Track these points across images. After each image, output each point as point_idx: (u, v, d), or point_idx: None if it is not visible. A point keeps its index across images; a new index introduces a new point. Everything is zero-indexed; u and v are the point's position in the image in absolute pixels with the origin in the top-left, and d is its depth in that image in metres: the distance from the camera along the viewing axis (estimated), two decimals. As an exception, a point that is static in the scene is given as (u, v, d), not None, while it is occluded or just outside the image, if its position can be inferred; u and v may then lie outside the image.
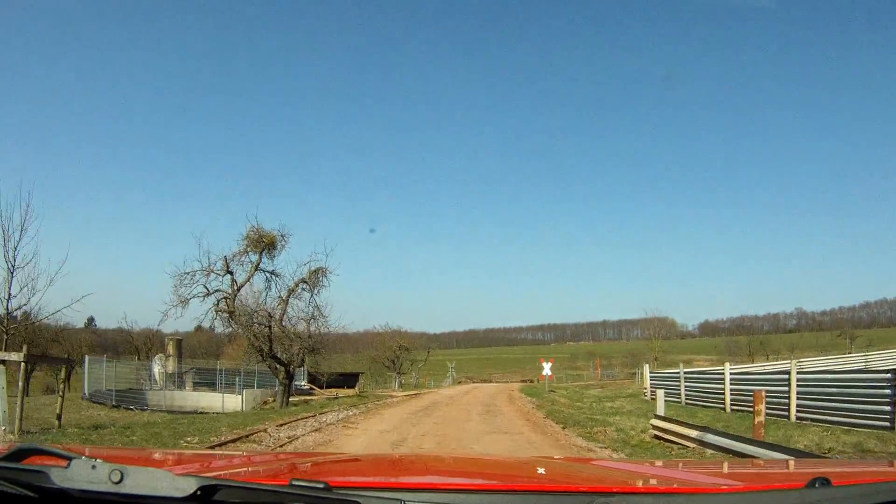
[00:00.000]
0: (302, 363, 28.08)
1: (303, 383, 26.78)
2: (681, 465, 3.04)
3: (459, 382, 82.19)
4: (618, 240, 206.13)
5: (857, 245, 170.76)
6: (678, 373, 19.50)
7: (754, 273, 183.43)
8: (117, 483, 0.99)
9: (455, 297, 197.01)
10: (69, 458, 1.04)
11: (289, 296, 22.11)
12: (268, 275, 21.96)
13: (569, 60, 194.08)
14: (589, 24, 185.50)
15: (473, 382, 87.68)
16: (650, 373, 22.83)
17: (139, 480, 1.00)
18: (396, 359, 46.69)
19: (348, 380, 57.40)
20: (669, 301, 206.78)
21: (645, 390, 21.99)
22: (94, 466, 1.02)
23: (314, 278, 22.06)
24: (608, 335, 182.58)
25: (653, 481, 1.62)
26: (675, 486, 1.45)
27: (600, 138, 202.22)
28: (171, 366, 52.74)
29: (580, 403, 19.40)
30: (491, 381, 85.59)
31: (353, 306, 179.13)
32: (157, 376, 46.38)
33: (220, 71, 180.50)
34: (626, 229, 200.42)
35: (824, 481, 1.05)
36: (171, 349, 52.08)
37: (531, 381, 51.95)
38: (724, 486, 1.43)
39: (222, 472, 1.56)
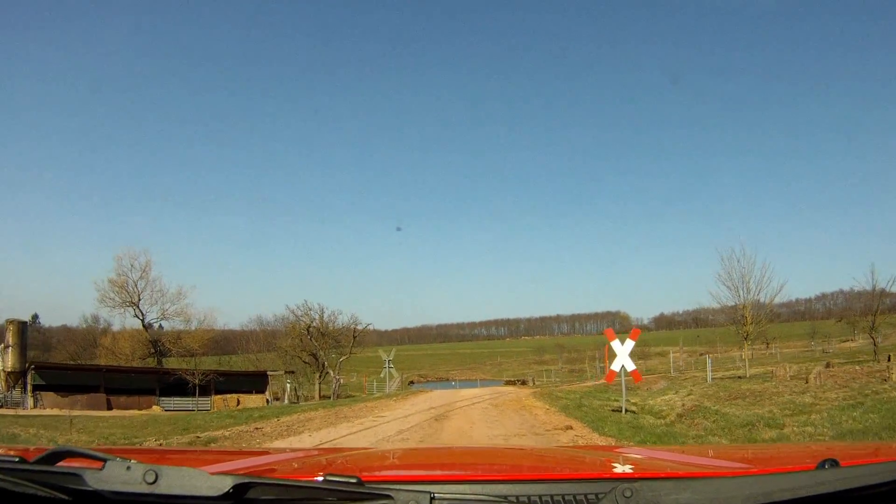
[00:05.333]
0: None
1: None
2: (697, 450, 3.00)
3: (412, 383, 66.97)
4: (570, 234, 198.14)
5: (813, 237, 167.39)
6: None
7: (708, 265, 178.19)
8: (152, 483, 0.98)
9: (408, 293, 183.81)
10: (103, 460, 1.02)
11: None
12: None
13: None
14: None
15: (427, 382, 72.40)
16: None
17: (174, 480, 0.99)
18: (320, 351, 30.78)
19: (254, 381, 42.02)
20: (623, 295, 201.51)
21: None
22: (128, 468, 1.00)
23: None
24: (562, 329, 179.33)
25: (673, 467, 1.64)
26: (694, 470, 1.51)
27: (550, 135, 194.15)
28: (11, 362, 35.88)
29: None
30: (449, 380, 70.55)
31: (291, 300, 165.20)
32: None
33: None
34: (578, 224, 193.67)
35: (833, 462, 1.09)
36: (11, 337, 34.98)
37: (523, 383, 36.84)
38: (739, 470, 1.51)
39: (255, 470, 1.51)
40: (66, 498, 1.02)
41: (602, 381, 32.99)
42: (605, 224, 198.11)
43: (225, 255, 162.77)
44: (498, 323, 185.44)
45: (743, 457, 2.01)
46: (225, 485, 0.98)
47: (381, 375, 31.38)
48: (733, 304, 23.87)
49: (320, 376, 31.06)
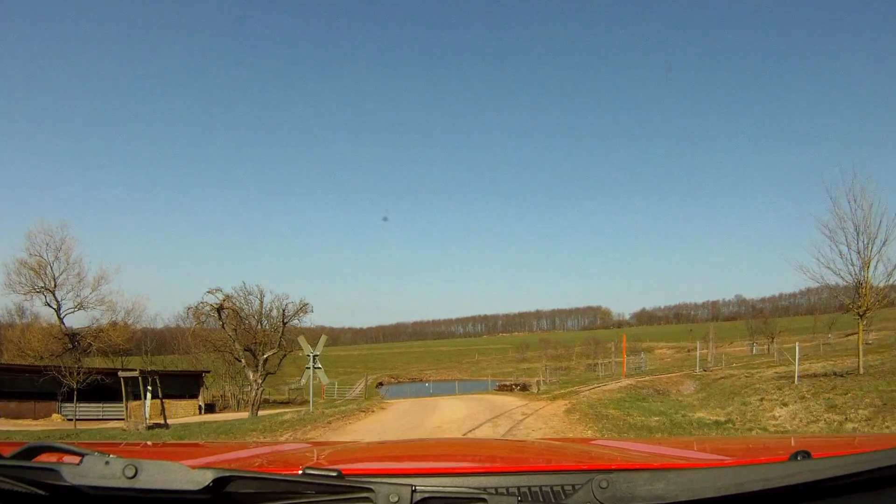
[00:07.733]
0: None
1: None
2: (672, 442, 2.97)
3: (380, 385, 59.91)
4: (549, 230, 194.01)
5: (797, 232, 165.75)
6: None
7: (692, 260, 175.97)
8: (131, 478, 0.98)
9: (382, 290, 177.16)
10: (81, 455, 1.01)
11: None
12: None
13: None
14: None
15: (398, 384, 65.02)
16: None
17: (154, 475, 0.98)
18: (236, 344, 22.95)
19: (185, 385, 35.02)
20: (603, 290, 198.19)
21: None
22: (107, 462, 0.99)
23: None
24: (542, 326, 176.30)
25: (648, 458, 1.67)
26: (668, 462, 1.54)
27: (530, 131, 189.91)
28: None
29: None
30: (423, 381, 63.25)
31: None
32: None
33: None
34: (558, 220, 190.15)
35: (805, 454, 1.14)
36: None
37: (523, 388, 29.29)
38: (713, 461, 1.54)
39: (236, 463, 1.53)
40: (42, 493, 1.00)
41: (626, 380, 25.14)
42: (585, 220, 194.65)
43: (181, 244, 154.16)
44: (475, 320, 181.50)
45: (717, 449, 2.04)
46: (205, 478, 0.97)
47: (303, 382, 21.24)
48: (849, 270, 14.00)
49: (263, 379, 23.93)
